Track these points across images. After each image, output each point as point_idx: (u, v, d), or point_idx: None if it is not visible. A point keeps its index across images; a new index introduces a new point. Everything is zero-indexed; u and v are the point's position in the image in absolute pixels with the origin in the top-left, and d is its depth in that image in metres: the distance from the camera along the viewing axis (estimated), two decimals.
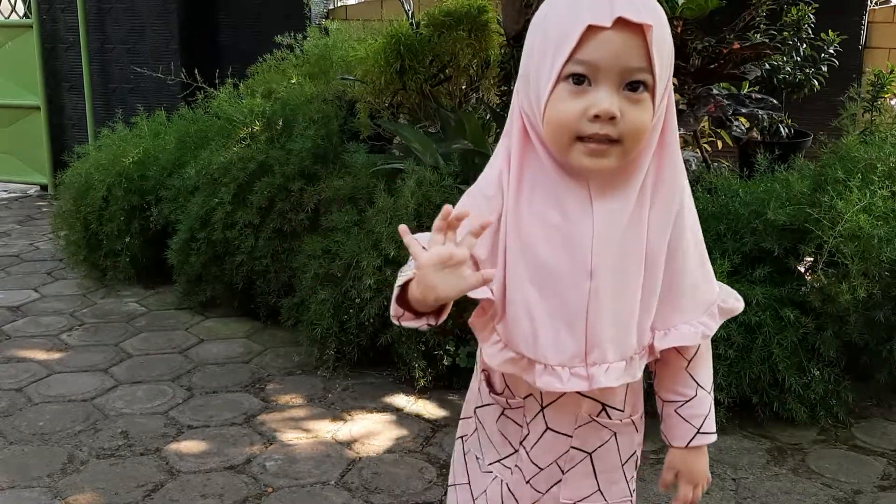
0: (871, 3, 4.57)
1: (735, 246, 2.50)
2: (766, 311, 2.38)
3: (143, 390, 2.71)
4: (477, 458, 1.24)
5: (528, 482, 1.18)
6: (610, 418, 1.16)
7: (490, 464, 1.22)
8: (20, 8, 5.85)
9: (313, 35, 3.98)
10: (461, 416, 1.29)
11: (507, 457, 1.20)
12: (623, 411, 1.16)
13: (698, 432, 1.18)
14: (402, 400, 2.64)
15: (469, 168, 3.01)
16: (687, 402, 1.18)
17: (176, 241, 3.28)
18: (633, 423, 1.20)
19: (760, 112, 3.04)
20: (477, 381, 1.24)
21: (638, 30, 0.97)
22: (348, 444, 2.37)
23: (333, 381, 2.77)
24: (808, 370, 2.39)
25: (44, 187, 5.79)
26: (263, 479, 2.19)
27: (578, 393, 1.11)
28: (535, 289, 1.06)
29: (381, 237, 2.65)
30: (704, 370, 1.18)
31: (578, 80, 0.99)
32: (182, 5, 5.23)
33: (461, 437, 1.28)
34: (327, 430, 2.46)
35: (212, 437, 2.41)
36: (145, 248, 3.62)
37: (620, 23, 0.96)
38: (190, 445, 2.36)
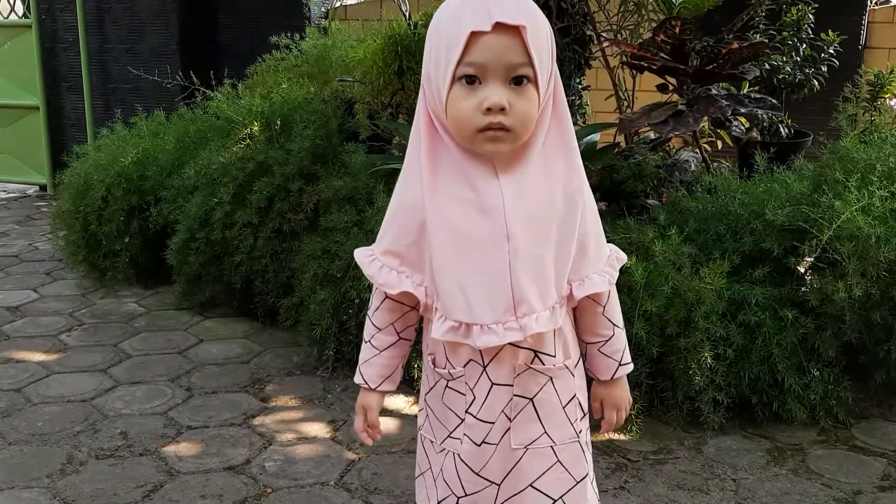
0: (871, 3, 4.57)
1: (734, 246, 2.50)
2: (765, 312, 2.38)
3: (143, 391, 2.71)
4: (431, 442, 1.35)
5: (481, 443, 1.28)
6: (543, 364, 1.28)
7: (441, 442, 1.33)
8: (19, 8, 5.85)
9: (312, 35, 3.98)
10: (418, 410, 1.41)
11: (455, 429, 1.31)
12: (555, 356, 1.28)
13: (619, 364, 1.37)
14: (401, 400, 2.64)
15: None
16: (607, 341, 1.35)
17: (175, 241, 3.28)
18: (567, 367, 1.31)
19: (760, 112, 3.03)
20: (424, 370, 1.37)
21: (515, 31, 1.12)
22: (348, 444, 2.37)
23: (333, 381, 2.77)
24: (808, 370, 2.39)
25: (43, 187, 5.79)
26: (263, 480, 2.18)
27: (513, 345, 1.24)
28: (461, 259, 1.21)
29: None
30: (616, 312, 1.36)
31: (470, 79, 1.15)
32: (181, 5, 5.23)
33: (419, 429, 1.40)
34: (327, 430, 2.46)
35: (211, 437, 2.41)
36: (144, 248, 3.62)
37: (499, 26, 1.12)
38: (189, 446, 2.36)
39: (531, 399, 1.28)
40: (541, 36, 1.16)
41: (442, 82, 1.16)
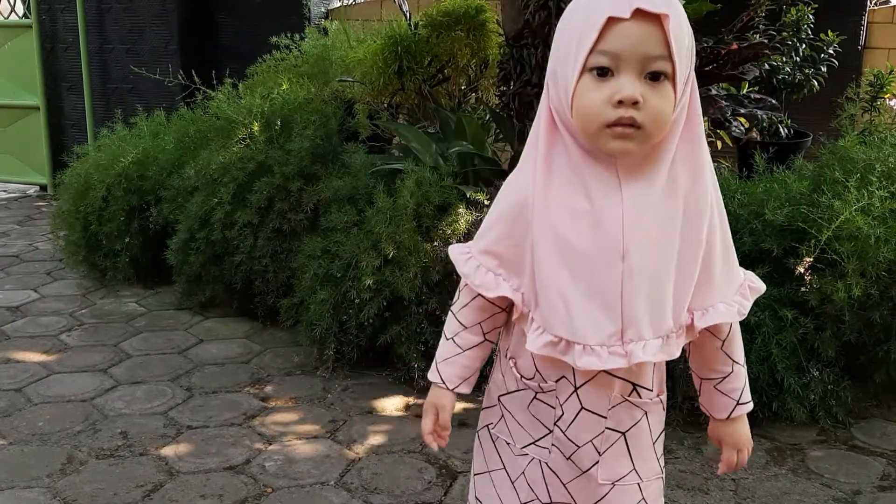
0: (871, 3, 4.57)
1: (734, 246, 2.50)
2: (765, 312, 2.38)
3: (143, 390, 2.71)
4: (508, 444, 1.28)
5: (569, 458, 1.21)
6: (641, 397, 1.20)
7: (523, 447, 1.26)
8: (19, 8, 5.85)
9: (312, 36, 3.98)
10: (483, 406, 1.34)
11: (541, 438, 1.24)
12: (652, 390, 1.21)
13: (738, 404, 1.26)
14: (401, 400, 2.64)
15: (468, 168, 3.02)
16: (724, 378, 1.25)
17: (175, 241, 3.28)
18: (661, 401, 1.25)
19: (760, 112, 3.04)
20: (499, 370, 1.29)
21: (656, 20, 1.03)
22: (348, 444, 2.37)
23: (333, 381, 2.77)
24: (808, 370, 2.39)
25: (43, 187, 5.79)
26: (263, 480, 2.19)
27: (609, 374, 1.16)
28: (567, 273, 1.12)
29: (380, 237, 2.66)
30: (737, 347, 1.25)
31: (602, 71, 1.05)
32: (181, 5, 5.24)
33: (487, 426, 1.32)
34: (327, 430, 2.46)
35: (211, 437, 2.41)
36: (145, 248, 3.62)
37: (639, 14, 1.02)
38: (189, 446, 2.36)
39: (623, 433, 1.21)
40: (682, 30, 1.07)
41: (571, 72, 1.07)
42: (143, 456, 2.30)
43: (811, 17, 3.49)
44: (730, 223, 2.71)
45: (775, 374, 2.36)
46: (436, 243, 2.67)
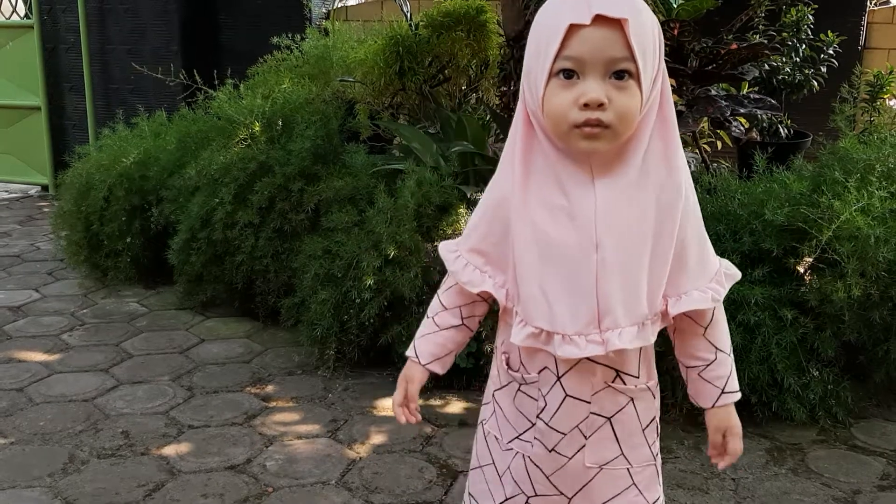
0: (871, 3, 4.57)
1: (734, 246, 2.51)
2: (764, 312, 2.38)
3: (144, 390, 2.72)
4: (497, 439, 1.32)
5: (551, 450, 1.24)
6: (625, 384, 1.23)
7: (509, 442, 1.29)
8: (21, 8, 5.86)
9: (313, 36, 3.99)
10: (483, 402, 1.38)
11: (524, 432, 1.27)
12: (638, 377, 1.24)
13: (723, 392, 1.26)
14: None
15: (468, 168, 3.02)
16: (708, 365, 1.26)
17: (176, 241, 3.29)
18: (650, 389, 1.26)
19: (759, 112, 3.04)
20: (495, 366, 1.33)
21: (616, 23, 1.07)
22: (348, 443, 2.38)
23: (334, 381, 2.78)
24: (807, 370, 2.39)
25: (45, 187, 5.80)
26: (264, 479, 2.19)
27: (592, 360, 1.19)
28: (546, 266, 1.17)
29: (381, 237, 2.66)
30: (721, 334, 1.26)
31: (568, 74, 1.10)
32: (182, 6, 5.24)
33: (482, 422, 1.36)
34: (327, 429, 2.46)
35: (212, 436, 2.41)
36: (146, 248, 3.63)
37: (599, 19, 1.07)
38: (190, 445, 2.36)
39: (609, 418, 1.23)
40: (645, 30, 1.10)
41: (540, 76, 1.12)
42: (144, 455, 2.31)
43: (811, 17, 3.49)
44: (730, 223, 2.72)
45: (775, 374, 2.37)
46: (436, 243, 2.67)
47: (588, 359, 1.18)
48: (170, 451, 2.33)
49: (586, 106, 1.09)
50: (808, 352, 2.41)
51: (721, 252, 2.45)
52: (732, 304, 2.40)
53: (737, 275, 1.26)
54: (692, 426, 2.42)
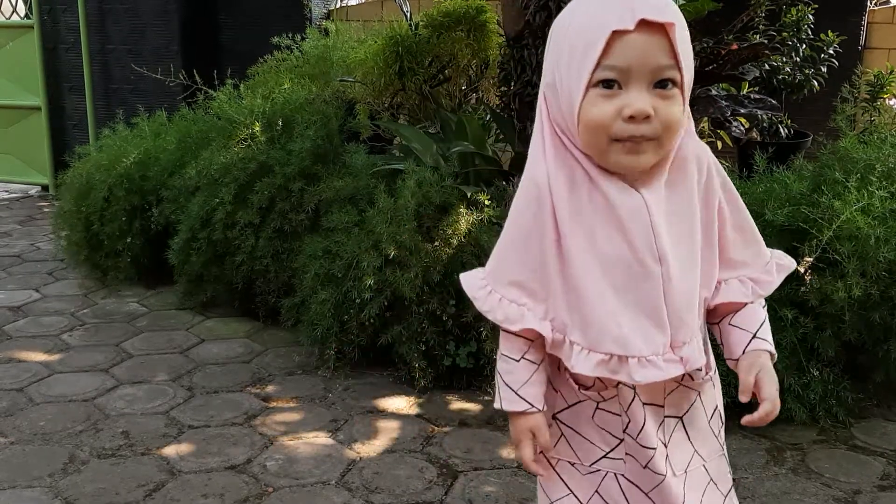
0: (871, 3, 4.58)
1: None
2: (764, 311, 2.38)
3: (144, 390, 2.72)
4: (573, 465, 1.21)
5: (645, 466, 1.16)
6: (693, 379, 1.17)
7: (592, 463, 1.20)
8: (21, 8, 5.86)
9: (313, 36, 3.99)
10: None
11: (612, 450, 1.18)
12: (701, 370, 1.16)
13: (754, 336, 1.16)
14: (402, 400, 2.64)
15: (469, 168, 3.02)
16: (738, 311, 1.17)
17: (177, 241, 3.29)
18: (711, 378, 1.21)
19: (760, 112, 3.04)
20: (550, 387, 1.22)
21: (661, 29, 1.00)
22: (348, 443, 2.38)
23: (334, 381, 2.78)
24: (808, 370, 2.39)
25: (45, 187, 5.80)
26: (264, 479, 2.19)
27: None
28: (609, 286, 1.08)
29: (381, 237, 2.66)
30: (757, 306, 1.19)
31: (608, 84, 1.02)
32: (183, 6, 5.24)
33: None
34: (328, 429, 2.46)
35: (212, 436, 2.41)
36: (146, 248, 3.63)
37: (643, 24, 0.99)
38: (190, 445, 2.36)
39: (681, 418, 1.18)
40: (686, 35, 1.04)
41: (575, 87, 1.03)
42: (144, 455, 2.31)
43: (811, 17, 3.49)
44: None
45: (775, 374, 2.36)
46: (437, 243, 2.67)
47: None
48: (170, 451, 2.33)
49: (631, 118, 1.01)
50: (809, 352, 2.41)
51: None
52: None
53: (790, 266, 1.19)
54: None
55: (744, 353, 1.16)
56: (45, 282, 3.82)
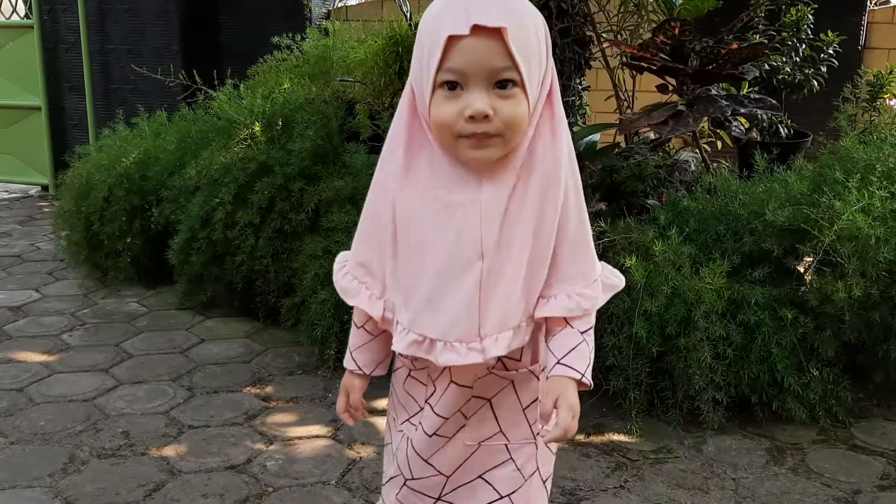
0: (871, 3, 4.58)
1: (734, 246, 2.51)
2: (765, 311, 2.38)
3: (144, 390, 2.72)
4: (394, 419, 1.37)
5: (432, 435, 1.26)
6: (507, 369, 1.25)
7: (401, 423, 1.34)
8: (21, 8, 5.86)
9: (313, 36, 3.99)
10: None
11: (414, 415, 1.30)
12: (520, 361, 1.25)
13: (559, 362, 1.19)
14: None
15: None
16: (557, 333, 1.21)
17: (177, 241, 3.29)
18: (533, 372, 1.27)
19: (760, 112, 3.04)
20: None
21: (496, 33, 1.05)
22: (349, 443, 2.38)
23: (334, 380, 2.78)
24: (808, 370, 2.39)
25: (45, 188, 5.80)
26: (264, 479, 2.19)
27: None
28: (428, 272, 1.16)
29: None
30: (585, 324, 1.22)
31: (451, 85, 1.09)
32: (183, 6, 5.24)
33: (388, 402, 1.41)
34: (328, 429, 2.46)
35: (212, 436, 2.41)
36: (146, 248, 3.63)
37: (477, 29, 1.05)
38: (190, 445, 2.37)
39: (489, 399, 1.26)
40: (527, 35, 1.08)
41: (426, 89, 1.11)
42: (144, 455, 2.31)
43: (811, 17, 3.49)
44: (730, 223, 2.71)
45: (775, 374, 2.37)
46: None
47: None
48: (170, 451, 2.33)
49: (471, 118, 1.07)
50: (809, 352, 2.41)
51: (721, 252, 2.47)
52: (733, 303, 2.40)
53: (618, 284, 1.25)
54: (692, 426, 2.42)
55: (548, 377, 1.22)
56: (45, 282, 3.82)
